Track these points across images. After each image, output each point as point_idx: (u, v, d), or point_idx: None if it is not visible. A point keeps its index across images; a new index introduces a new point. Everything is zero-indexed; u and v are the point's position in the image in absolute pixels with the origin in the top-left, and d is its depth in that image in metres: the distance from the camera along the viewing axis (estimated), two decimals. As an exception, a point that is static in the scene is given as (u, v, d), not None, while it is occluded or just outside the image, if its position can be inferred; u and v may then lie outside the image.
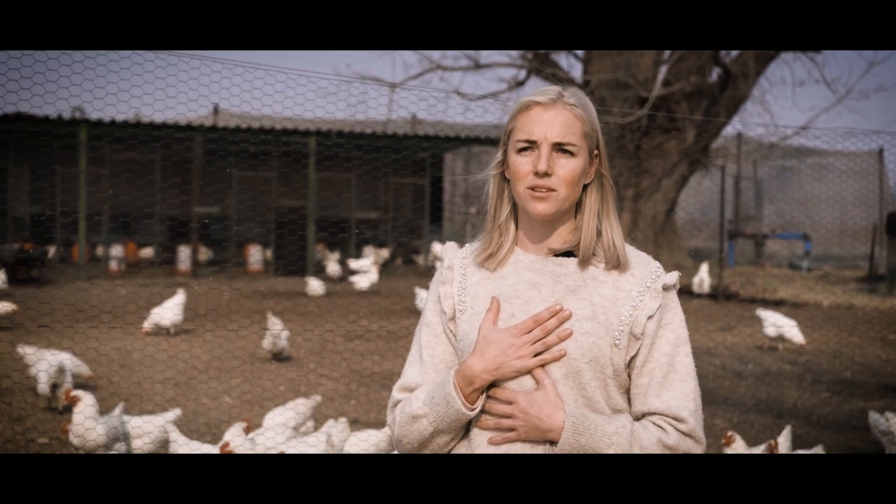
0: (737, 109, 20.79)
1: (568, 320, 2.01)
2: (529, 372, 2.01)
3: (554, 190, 2.04)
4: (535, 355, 2.00)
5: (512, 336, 2.01)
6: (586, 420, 1.97)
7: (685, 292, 16.53)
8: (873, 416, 6.56)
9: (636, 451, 1.97)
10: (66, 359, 7.79)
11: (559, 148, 2.04)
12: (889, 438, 6.36)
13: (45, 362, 7.47)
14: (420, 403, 2.07)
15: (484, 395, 2.04)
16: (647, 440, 1.98)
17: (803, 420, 7.73)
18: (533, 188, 2.04)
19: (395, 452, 2.22)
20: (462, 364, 2.05)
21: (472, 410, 2.02)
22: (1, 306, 10.61)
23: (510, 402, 2.01)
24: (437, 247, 20.01)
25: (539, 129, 2.04)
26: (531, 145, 2.05)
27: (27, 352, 7.96)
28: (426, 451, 2.09)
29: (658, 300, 2.06)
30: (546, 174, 2.02)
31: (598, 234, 2.09)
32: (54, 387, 7.46)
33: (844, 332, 12.63)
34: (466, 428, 2.08)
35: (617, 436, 1.97)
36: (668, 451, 1.99)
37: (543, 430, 1.98)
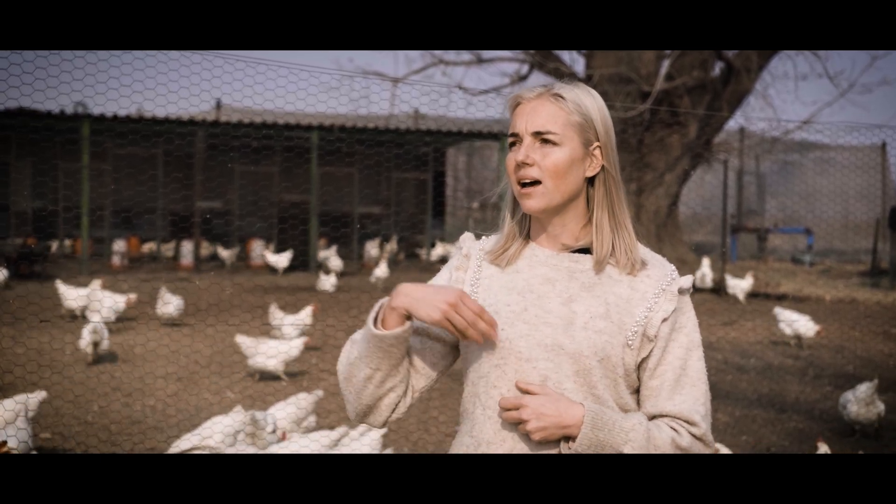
0: (739, 104, 20.75)
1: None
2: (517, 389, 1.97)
3: (539, 182, 2.01)
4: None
5: (454, 294, 1.92)
6: (604, 415, 1.94)
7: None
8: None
9: (651, 449, 1.95)
10: (282, 350, 8.69)
11: (540, 137, 2.01)
12: (844, 405, 6.99)
13: (91, 324, 9.00)
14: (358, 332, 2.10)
15: (408, 324, 1.96)
16: (662, 440, 1.96)
17: (805, 414, 7.73)
18: (520, 182, 2.03)
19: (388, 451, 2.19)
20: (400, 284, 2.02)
21: (378, 330, 1.96)
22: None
23: (518, 408, 1.95)
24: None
25: (520, 121, 2.03)
26: (516, 139, 2.05)
27: (245, 343, 8.69)
28: (354, 387, 2.11)
29: (673, 303, 2.03)
30: (525, 163, 2.00)
31: (611, 231, 2.05)
32: (95, 345, 8.95)
33: (847, 326, 12.62)
34: (471, 428, 2.05)
35: (634, 432, 1.94)
36: (679, 452, 1.98)
37: (563, 426, 1.93)
